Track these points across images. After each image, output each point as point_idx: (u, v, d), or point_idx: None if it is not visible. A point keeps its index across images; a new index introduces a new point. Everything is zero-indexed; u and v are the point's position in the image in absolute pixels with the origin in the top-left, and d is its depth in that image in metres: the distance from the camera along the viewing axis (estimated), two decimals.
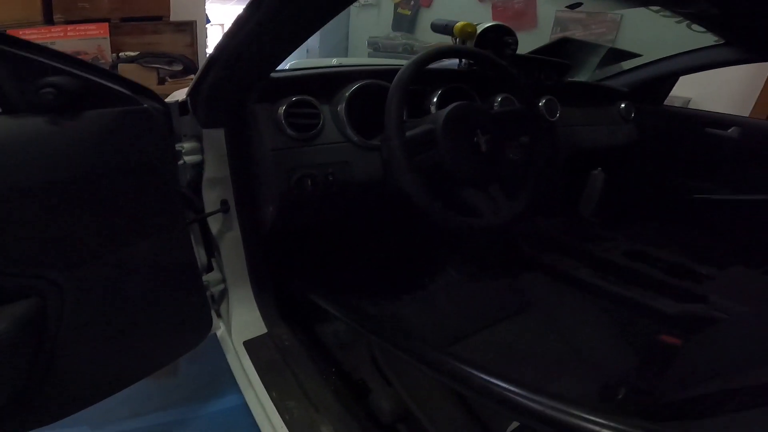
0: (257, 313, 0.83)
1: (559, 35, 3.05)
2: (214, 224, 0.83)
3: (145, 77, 2.89)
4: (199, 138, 0.76)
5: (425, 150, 0.70)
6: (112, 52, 2.80)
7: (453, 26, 0.86)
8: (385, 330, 0.74)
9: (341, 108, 0.77)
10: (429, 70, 0.89)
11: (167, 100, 0.65)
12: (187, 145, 0.75)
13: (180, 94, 0.75)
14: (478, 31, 0.86)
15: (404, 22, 3.83)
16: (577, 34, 2.98)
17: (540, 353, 0.78)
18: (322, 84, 0.78)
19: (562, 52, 1.17)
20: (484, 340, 0.80)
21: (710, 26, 1.08)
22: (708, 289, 0.86)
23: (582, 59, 1.27)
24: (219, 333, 0.85)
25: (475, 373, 0.50)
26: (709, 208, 1.26)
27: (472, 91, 0.93)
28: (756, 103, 1.73)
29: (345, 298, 0.94)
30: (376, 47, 3.63)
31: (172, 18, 2.91)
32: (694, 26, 1.12)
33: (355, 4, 4.40)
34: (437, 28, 0.89)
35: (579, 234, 1.09)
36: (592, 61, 1.33)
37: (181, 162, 0.74)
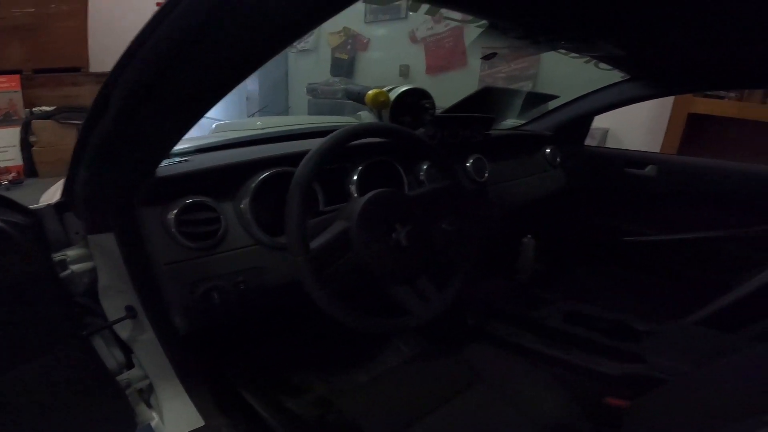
0: (191, 407, 0.75)
1: (487, 72, 3.22)
2: (124, 330, 0.73)
3: (63, 135, 2.68)
4: (86, 242, 0.66)
5: (340, 255, 0.62)
6: (25, 107, 2.58)
7: (365, 94, 0.83)
8: None
9: (245, 205, 0.69)
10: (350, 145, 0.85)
11: (44, 198, 0.57)
12: (72, 253, 0.64)
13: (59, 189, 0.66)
14: (392, 97, 0.84)
15: (342, 67, 3.90)
16: (504, 69, 3.16)
17: (497, 428, 0.73)
18: (221, 178, 0.70)
19: (484, 103, 1.19)
20: (437, 421, 0.74)
21: (615, 64, 1.15)
22: (647, 348, 0.86)
23: (503, 107, 1.30)
24: (154, 423, 0.76)
25: None
26: (638, 250, 1.30)
27: (396, 162, 0.89)
28: (666, 133, 1.86)
29: (280, 391, 0.86)
30: (315, 93, 3.64)
31: (92, 68, 2.75)
32: (601, 64, 1.19)
33: (292, 49, 4.47)
34: (351, 95, 0.86)
35: (519, 299, 1.07)
36: (513, 107, 1.37)
37: (67, 272, 0.64)
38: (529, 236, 1.05)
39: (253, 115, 3.34)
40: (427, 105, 0.87)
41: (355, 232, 0.62)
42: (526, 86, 2.92)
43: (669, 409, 0.60)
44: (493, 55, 1.12)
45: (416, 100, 0.87)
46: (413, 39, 3.57)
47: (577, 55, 1.11)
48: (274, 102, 3.93)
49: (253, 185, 0.70)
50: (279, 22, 0.35)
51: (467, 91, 1.18)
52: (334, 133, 0.65)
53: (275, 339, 0.98)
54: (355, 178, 0.82)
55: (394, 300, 0.68)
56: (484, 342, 0.93)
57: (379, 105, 0.83)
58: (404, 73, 3.56)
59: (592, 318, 0.95)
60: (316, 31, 4.34)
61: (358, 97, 0.84)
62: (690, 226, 1.21)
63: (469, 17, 0.71)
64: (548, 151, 1.33)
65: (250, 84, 4.23)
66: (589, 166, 1.39)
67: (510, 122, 1.52)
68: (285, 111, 3.99)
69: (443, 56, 3.52)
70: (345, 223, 0.63)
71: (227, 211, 0.69)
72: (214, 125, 1.49)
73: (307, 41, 4.32)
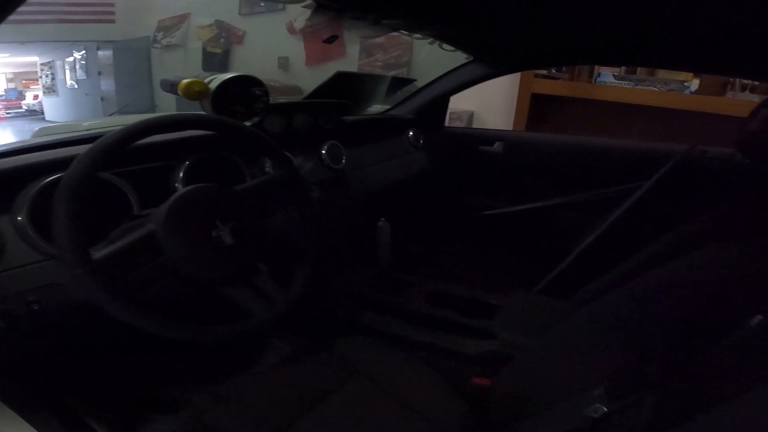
0: None
1: (365, 61, 3.26)
2: None
3: None
4: None
5: (146, 261, 0.55)
6: None
7: (178, 85, 0.74)
8: None
9: (23, 217, 0.58)
10: (171, 139, 0.75)
11: None
12: None
13: None
14: (214, 86, 0.76)
15: (215, 62, 3.62)
16: (380, 58, 3.24)
17: (375, 421, 0.73)
18: None
19: (339, 89, 1.17)
20: (310, 424, 0.71)
21: (457, 45, 1.23)
22: (498, 324, 0.90)
23: (361, 93, 1.31)
24: None
25: None
26: (494, 223, 1.42)
27: (237, 156, 0.82)
28: (516, 113, 2.08)
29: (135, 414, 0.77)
30: (172, 89, 3.32)
31: None
32: (445, 45, 1.26)
33: (156, 45, 4.01)
34: (165, 86, 0.76)
35: (383, 286, 1.09)
36: (373, 93, 1.38)
37: None
38: (383, 219, 1.07)
39: (111, 115, 2.92)
40: (259, 93, 0.81)
41: (162, 233, 0.55)
42: (402, 73, 3.03)
43: (517, 386, 0.65)
44: (334, 38, 1.10)
45: (246, 88, 0.81)
46: (291, 30, 3.46)
47: (420, 36, 1.16)
48: (136, 101, 3.48)
49: (30, 195, 0.59)
50: None
51: None
52: (117, 130, 0.56)
53: (128, 353, 0.85)
54: (181, 175, 0.74)
55: (229, 302, 0.62)
56: (356, 333, 0.93)
57: (194, 95, 0.74)
58: (283, 65, 3.43)
59: (451, 297, 1.00)
60: (183, 26, 3.97)
61: (171, 89, 0.74)
62: (534, 196, 1.36)
63: None
64: (411, 134, 1.37)
65: (105, 83, 3.73)
66: (449, 146, 1.47)
67: (377, 108, 1.55)
68: (152, 110, 3.56)
69: (323, 47, 3.48)
70: (151, 226, 0.56)
71: (4, 225, 0.58)
72: (37, 128, 1.24)
73: (173, 36, 3.94)
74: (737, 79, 1.81)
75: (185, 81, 0.74)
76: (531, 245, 1.34)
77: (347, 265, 1.12)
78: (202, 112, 0.80)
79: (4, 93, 11.83)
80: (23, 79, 12.64)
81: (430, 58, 2.74)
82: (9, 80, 12.74)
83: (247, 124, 0.81)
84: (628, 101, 1.88)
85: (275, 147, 0.72)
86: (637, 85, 1.93)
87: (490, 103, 2.25)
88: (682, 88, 1.87)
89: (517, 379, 0.66)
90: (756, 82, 1.77)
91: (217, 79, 0.77)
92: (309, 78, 3.37)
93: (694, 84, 1.88)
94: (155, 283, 0.56)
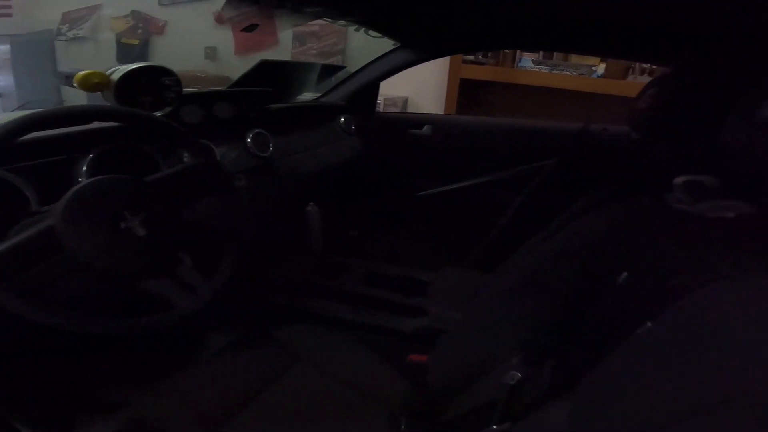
0: None
1: (299, 49, 3.19)
2: None
3: None
4: None
5: (45, 257, 0.51)
6: None
7: (74, 77, 0.69)
8: None
9: None
10: (74, 132, 0.70)
11: None
12: None
13: None
14: (117, 77, 0.72)
15: (132, 53, 3.33)
16: (315, 46, 3.18)
17: (320, 406, 0.73)
18: None
19: (265, 77, 1.15)
20: (254, 413, 0.71)
21: (382, 31, 1.24)
22: (429, 300, 0.93)
23: (288, 81, 1.29)
24: None
25: None
26: (427, 204, 1.47)
27: (149, 147, 0.78)
28: (446, 98, 2.17)
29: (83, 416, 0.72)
30: (70, 82, 3.05)
31: None
32: (371, 32, 1.28)
33: (60, 37, 3.61)
34: (62, 79, 0.71)
35: (319, 270, 1.10)
36: (301, 80, 1.37)
37: None
38: (312, 204, 1.08)
39: (12, 112, 2.61)
40: (169, 82, 0.78)
41: (60, 228, 0.52)
42: (337, 60, 3.01)
43: (450, 360, 0.67)
44: (254, 26, 1.08)
45: (155, 78, 0.77)
46: (219, 20, 3.28)
47: (344, 23, 1.16)
48: (40, 97, 3.13)
49: None
50: None
51: None
52: (2, 123, 0.52)
53: (60, 356, 0.80)
54: (84, 168, 0.69)
55: (150, 294, 0.60)
56: (294, 319, 0.92)
57: (92, 87, 0.69)
58: (211, 55, 3.24)
59: (386, 277, 1.03)
60: (93, 17, 3.62)
61: (68, 81, 0.69)
62: (463, 175, 1.43)
63: None
64: (342, 120, 1.38)
65: (2, 79, 3.30)
66: (381, 130, 1.50)
67: (309, 95, 1.53)
68: (59, 104, 3.22)
69: (253, 36, 3.34)
70: (49, 221, 0.53)
71: None
72: None
73: (80, 28, 3.58)
74: (638, 64, 2.02)
75: (82, 73, 0.68)
76: (462, 222, 1.41)
77: (281, 251, 1.11)
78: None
79: None
80: None
81: (365, 45, 2.74)
82: None
83: (158, 114, 0.77)
84: (545, 85, 2.03)
85: (188, 136, 0.70)
86: (552, 69, 2.08)
87: (423, 89, 2.31)
88: (590, 72, 2.05)
89: (448, 354, 0.68)
90: (653, 66, 1.99)
91: (120, 70, 0.73)
92: (240, 68, 3.23)
93: (601, 68, 2.07)
94: (61, 279, 0.53)
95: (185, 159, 0.83)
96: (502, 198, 1.26)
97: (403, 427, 0.66)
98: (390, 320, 0.92)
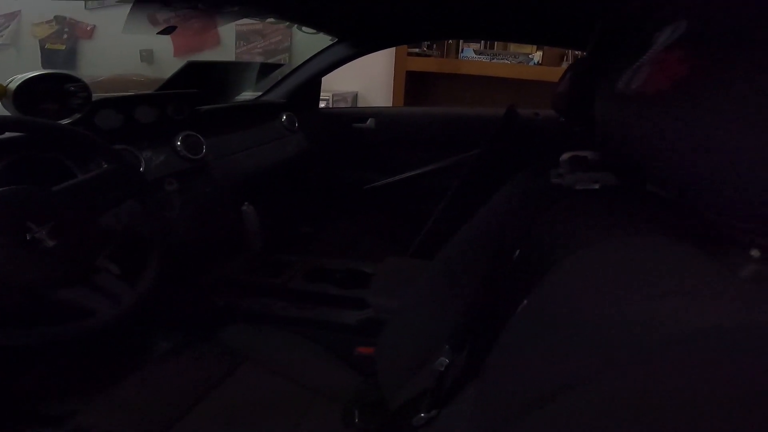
0: None
1: (244, 48, 3.10)
2: None
3: None
4: None
5: None
6: None
7: None
8: None
9: None
10: None
11: None
12: None
13: None
14: (13, 87, 0.67)
15: (58, 59, 3.11)
16: (259, 45, 3.10)
17: (271, 404, 0.72)
18: None
19: (193, 79, 1.10)
20: (201, 416, 0.69)
21: (317, 27, 1.23)
22: (371, 291, 0.92)
23: (220, 81, 1.25)
24: None
25: None
26: (376, 195, 1.49)
27: (60, 155, 0.73)
28: (393, 91, 2.18)
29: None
30: None
31: None
32: (305, 28, 1.26)
33: None
34: None
35: (259, 269, 1.07)
36: (236, 80, 1.33)
37: None
38: (247, 204, 1.06)
39: None
40: (74, 89, 0.73)
41: None
42: (284, 58, 2.95)
43: (393, 350, 0.67)
44: (172, 29, 1.04)
45: (58, 85, 0.73)
46: (154, 21, 3.11)
47: (273, 21, 1.13)
48: None
49: None
50: None
51: None
52: None
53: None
54: None
55: (71, 304, 0.58)
56: (237, 319, 0.90)
57: None
58: (147, 58, 3.08)
59: (329, 271, 1.02)
60: (12, 24, 3.35)
61: None
62: (407, 166, 1.46)
63: None
64: (284, 117, 1.36)
65: None
66: (325, 126, 1.49)
67: (248, 95, 1.50)
68: None
69: (193, 37, 3.20)
70: None
71: None
72: None
73: (0, 35, 3.30)
74: (571, 51, 2.12)
75: None
76: (408, 212, 1.44)
77: (219, 253, 1.08)
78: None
79: None
80: None
81: (311, 42, 2.71)
82: None
83: (65, 121, 0.74)
84: (487, 74, 2.09)
85: (97, 142, 0.67)
86: (493, 59, 2.15)
87: (372, 83, 2.31)
88: (528, 60, 2.13)
89: (390, 344, 0.69)
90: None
91: (16, 80, 0.68)
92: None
93: (537, 56, 2.16)
94: None
95: (104, 166, 0.79)
96: (445, 186, 1.30)
97: (356, 420, 0.66)
98: (334, 314, 0.92)
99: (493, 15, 1.05)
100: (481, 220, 0.61)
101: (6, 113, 0.70)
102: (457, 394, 0.42)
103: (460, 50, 2.23)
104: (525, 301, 0.35)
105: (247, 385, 0.75)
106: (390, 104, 2.23)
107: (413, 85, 2.19)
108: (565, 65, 2.16)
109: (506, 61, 2.14)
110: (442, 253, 0.65)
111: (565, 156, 0.45)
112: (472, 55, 2.19)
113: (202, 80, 1.13)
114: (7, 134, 0.69)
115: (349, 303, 0.92)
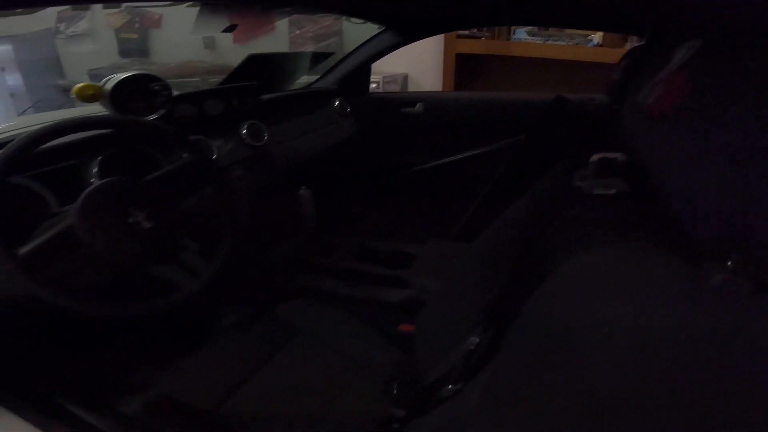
0: (26, 424, 0.66)
1: (296, 33, 3.19)
2: None
3: None
4: None
5: (67, 252, 0.60)
6: None
7: (72, 89, 0.75)
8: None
9: None
10: (83, 138, 0.77)
11: None
12: None
13: None
14: (110, 87, 0.78)
15: (132, 47, 3.38)
16: (311, 29, 3.17)
17: (317, 377, 0.80)
18: None
19: (253, 72, 1.19)
20: (257, 385, 0.78)
21: (363, 17, 1.26)
22: (414, 272, 0.98)
23: (278, 72, 1.33)
24: None
25: None
26: (423, 178, 1.51)
27: (149, 148, 0.84)
28: (443, 73, 2.17)
29: (99, 393, 0.80)
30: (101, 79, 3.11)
31: None
32: (353, 19, 1.30)
33: (60, 36, 3.67)
34: (59, 91, 0.77)
35: (314, 249, 1.15)
36: (292, 70, 1.40)
37: None
38: (304, 187, 1.13)
39: (24, 112, 2.70)
40: (157, 88, 0.83)
41: (78, 227, 0.60)
42: (334, 42, 3.00)
43: (431, 328, 0.71)
44: (233, 27, 1.12)
45: (144, 85, 0.83)
46: (219, 20, 3.28)
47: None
48: (50, 96, 3.21)
49: None
50: None
51: None
52: (17, 138, 0.59)
53: (91, 343, 0.90)
54: (95, 170, 0.76)
55: (159, 279, 0.69)
56: (293, 296, 1.00)
57: (89, 98, 0.75)
58: (209, 44, 3.27)
59: (375, 252, 1.08)
60: (87, 14, 3.66)
61: (65, 94, 0.75)
62: (454, 150, 1.46)
63: None
64: (337, 103, 1.42)
65: (11, 79, 3.39)
66: (374, 111, 1.53)
67: (303, 81, 1.57)
68: (69, 104, 3.31)
69: (250, 24, 3.33)
70: (68, 221, 0.61)
71: None
72: None
73: (77, 25, 3.63)
74: None
75: (78, 86, 0.75)
76: (455, 195, 1.45)
77: (277, 234, 1.17)
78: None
79: None
80: None
81: (360, 26, 2.73)
82: None
83: (152, 117, 0.84)
84: (541, 56, 2.01)
85: (178, 135, 0.76)
86: (547, 40, 2.05)
87: (422, 65, 2.31)
88: (586, 41, 2.01)
89: (429, 323, 0.73)
90: None
91: (112, 80, 0.79)
92: (240, 55, 3.26)
93: (597, 37, 2.03)
94: (82, 270, 0.61)
95: (184, 156, 0.90)
96: (489, 170, 1.29)
97: (395, 392, 0.70)
98: (379, 293, 0.98)
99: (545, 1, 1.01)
100: (514, 213, 0.63)
101: (103, 112, 0.82)
102: (481, 368, 0.47)
103: (511, 32, 2.15)
104: (534, 294, 0.39)
105: (299, 357, 0.83)
106: (440, 86, 2.22)
107: (463, 68, 2.16)
108: (628, 46, 2.02)
109: (562, 43, 2.03)
110: (481, 239, 0.68)
111: (594, 157, 0.46)
112: (524, 37, 2.10)
113: (262, 71, 1.21)
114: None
115: (393, 282, 0.98)
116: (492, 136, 1.40)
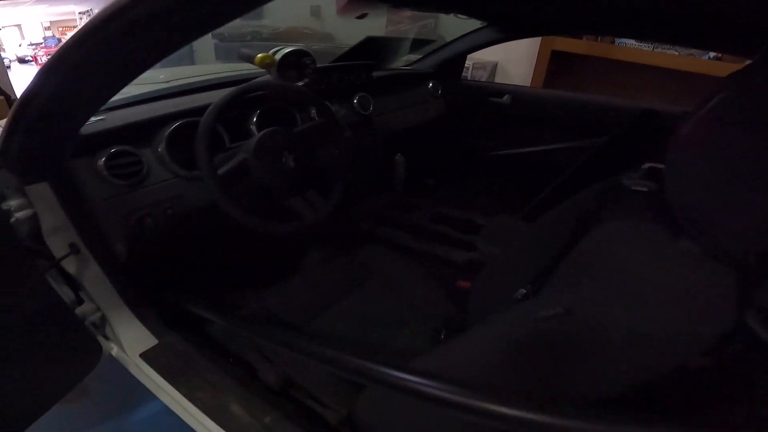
0: (143, 329, 0.85)
1: (394, 11, 3.31)
2: (71, 265, 0.81)
3: None
4: (23, 192, 0.72)
5: (243, 178, 0.83)
6: None
7: (254, 58, 0.95)
8: (253, 325, 0.86)
9: (162, 148, 0.85)
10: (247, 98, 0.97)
11: None
12: (13, 203, 0.71)
13: None
14: (278, 58, 0.99)
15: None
16: (407, 13, 3.27)
17: (383, 313, 0.95)
18: (137, 131, 0.84)
19: (367, 51, 1.37)
20: (337, 311, 0.95)
21: (468, 14, 1.38)
22: (481, 238, 1.11)
23: (387, 52, 1.51)
24: (114, 352, 0.85)
25: (329, 351, 0.59)
26: (499, 162, 1.64)
27: (291, 106, 1.07)
28: (535, 67, 2.19)
29: (217, 302, 0.98)
30: (221, 37, 3.52)
31: None
32: (459, 15, 1.41)
33: None
34: (243, 57, 0.98)
35: (397, 207, 1.33)
36: (398, 51, 1.57)
37: (13, 220, 0.71)
38: (399, 154, 1.32)
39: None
40: (308, 61, 1.03)
41: (252, 160, 0.84)
42: (431, 23, 3.08)
43: (486, 286, 0.81)
44: (364, 15, 1.30)
45: (299, 58, 1.02)
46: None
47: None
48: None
49: (167, 134, 0.86)
50: None
51: (375, 28, 1.32)
52: (229, 91, 0.84)
53: (208, 261, 1.12)
54: (255, 119, 1.00)
55: (290, 209, 0.91)
56: (373, 243, 1.20)
57: (266, 65, 0.96)
58: (315, 13, 3.52)
59: (449, 217, 1.24)
60: None
61: (249, 60, 0.98)
62: (533, 142, 1.55)
63: None
64: (431, 85, 1.57)
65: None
66: (463, 96, 1.66)
67: (405, 61, 1.73)
68: (190, 57, 3.77)
69: None
70: (244, 155, 0.85)
71: (147, 154, 0.84)
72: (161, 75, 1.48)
73: None
74: None
75: (259, 56, 0.94)
76: (525, 181, 1.57)
77: (371, 190, 1.37)
78: (268, 77, 1.02)
79: (43, 41, 12.11)
80: (59, 27, 12.86)
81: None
82: (46, 28, 12.98)
83: (300, 83, 1.05)
84: (647, 63, 1.94)
85: (320, 101, 0.99)
86: (656, 48, 1.98)
87: (513, 56, 2.35)
88: (701, 53, 1.90)
89: (485, 282, 0.83)
90: None
91: (280, 52, 0.98)
92: (340, 26, 3.46)
93: None
94: (248, 194, 0.84)
95: (312, 114, 1.12)
96: (563, 165, 1.37)
97: (442, 338, 0.83)
98: (446, 251, 1.14)
99: (661, 17, 1.00)
100: (573, 202, 0.70)
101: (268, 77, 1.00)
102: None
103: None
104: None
105: (370, 295, 0.99)
106: (529, 79, 2.24)
107: (557, 65, 2.16)
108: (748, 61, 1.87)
109: (673, 52, 1.95)
110: (541, 219, 0.76)
111: (645, 165, 0.55)
112: (632, 43, 2.04)
113: (374, 50, 1.40)
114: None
115: (460, 244, 1.13)
116: (573, 135, 1.47)
